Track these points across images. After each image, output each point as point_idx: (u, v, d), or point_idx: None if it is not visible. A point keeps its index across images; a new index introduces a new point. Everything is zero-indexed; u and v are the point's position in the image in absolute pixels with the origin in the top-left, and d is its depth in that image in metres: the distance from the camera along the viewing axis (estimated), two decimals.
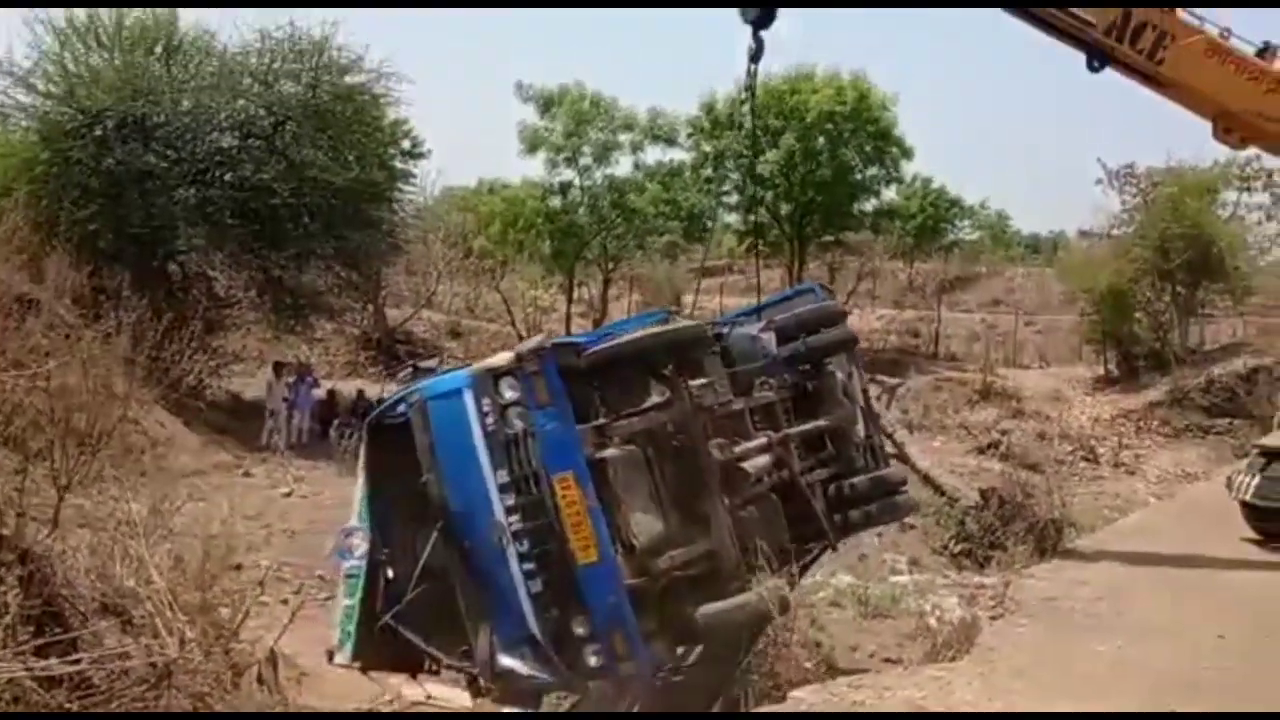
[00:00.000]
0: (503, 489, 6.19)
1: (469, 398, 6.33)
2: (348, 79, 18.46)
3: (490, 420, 6.23)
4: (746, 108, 11.91)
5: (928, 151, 38.14)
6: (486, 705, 7.13)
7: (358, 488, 7.19)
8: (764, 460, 7.22)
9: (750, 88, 11.68)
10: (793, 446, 7.87)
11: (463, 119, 77.18)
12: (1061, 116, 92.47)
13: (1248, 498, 13.28)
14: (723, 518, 6.68)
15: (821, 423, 8.38)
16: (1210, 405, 21.09)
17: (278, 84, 18.11)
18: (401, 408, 6.78)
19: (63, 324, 11.65)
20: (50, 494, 6.53)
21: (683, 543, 6.51)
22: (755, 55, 11.26)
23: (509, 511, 6.17)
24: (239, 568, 9.33)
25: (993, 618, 9.47)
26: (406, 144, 24.62)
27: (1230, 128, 11.76)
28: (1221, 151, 23.81)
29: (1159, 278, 24.17)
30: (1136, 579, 11.13)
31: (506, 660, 6.17)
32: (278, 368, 18.02)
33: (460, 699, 8.82)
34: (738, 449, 7.03)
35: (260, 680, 6.35)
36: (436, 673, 7.01)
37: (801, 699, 6.85)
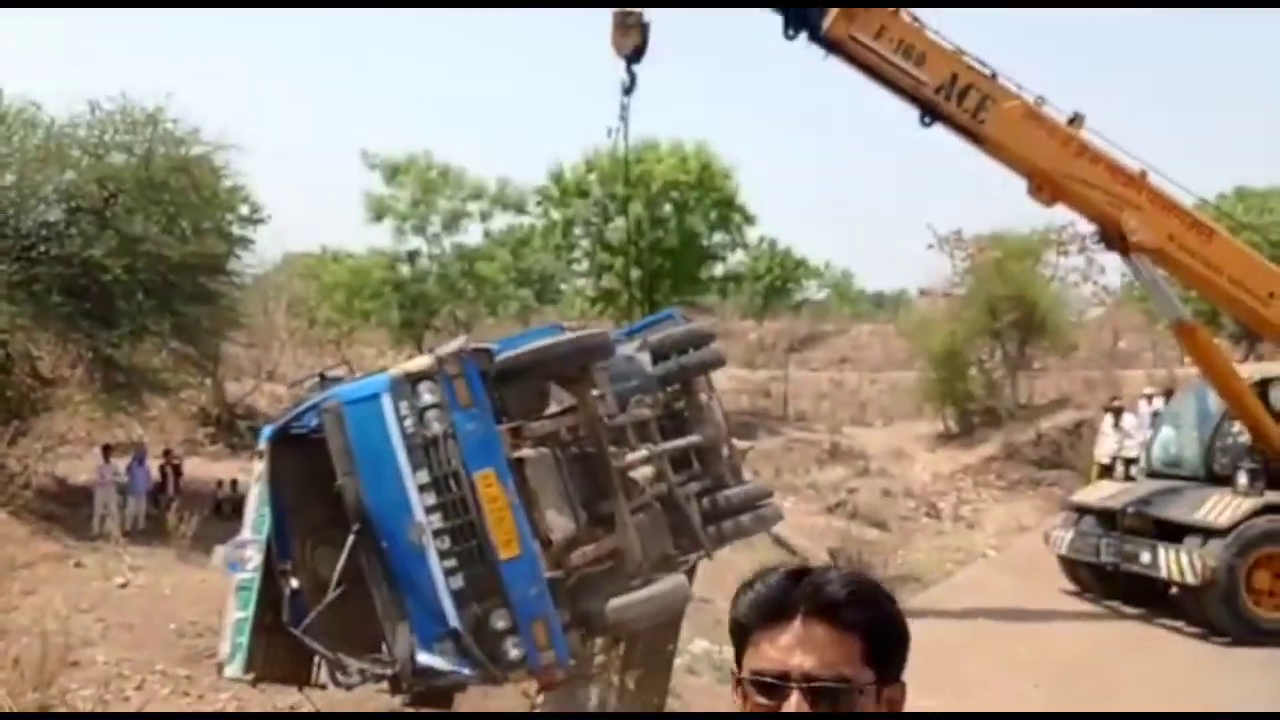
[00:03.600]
0: (422, 489, 6.28)
1: (387, 401, 6.39)
2: (183, 150, 17.95)
3: (409, 423, 6.32)
4: (620, 138, 12.25)
5: (772, 213, 39.67)
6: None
7: (252, 498, 7.15)
8: (648, 471, 7.48)
9: (624, 118, 11.99)
10: (667, 461, 8.12)
11: (303, 185, 75.99)
12: (901, 176, 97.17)
13: (1062, 551, 14.30)
14: (628, 518, 6.93)
15: (694, 439, 8.66)
16: (1040, 459, 22.31)
17: (109, 156, 17.49)
18: (308, 417, 6.82)
19: None
20: None
21: (589, 540, 6.76)
22: (629, 88, 11.61)
23: (429, 511, 6.25)
24: (76, 664, 8.94)
25: None
26: (245, 209, 23.98)
27: (1042, 186, 12.67)
28: (1040, 218, 25.53)
29: (990, 337, 25.48)
30: (964, 634, 11.83)
31: (426, 657, 6.23)
32: (107, 450, 17.20)
33: None
34: (626, 459, 7.31)
35: None
36: (324, 687, 6.97)
37: None
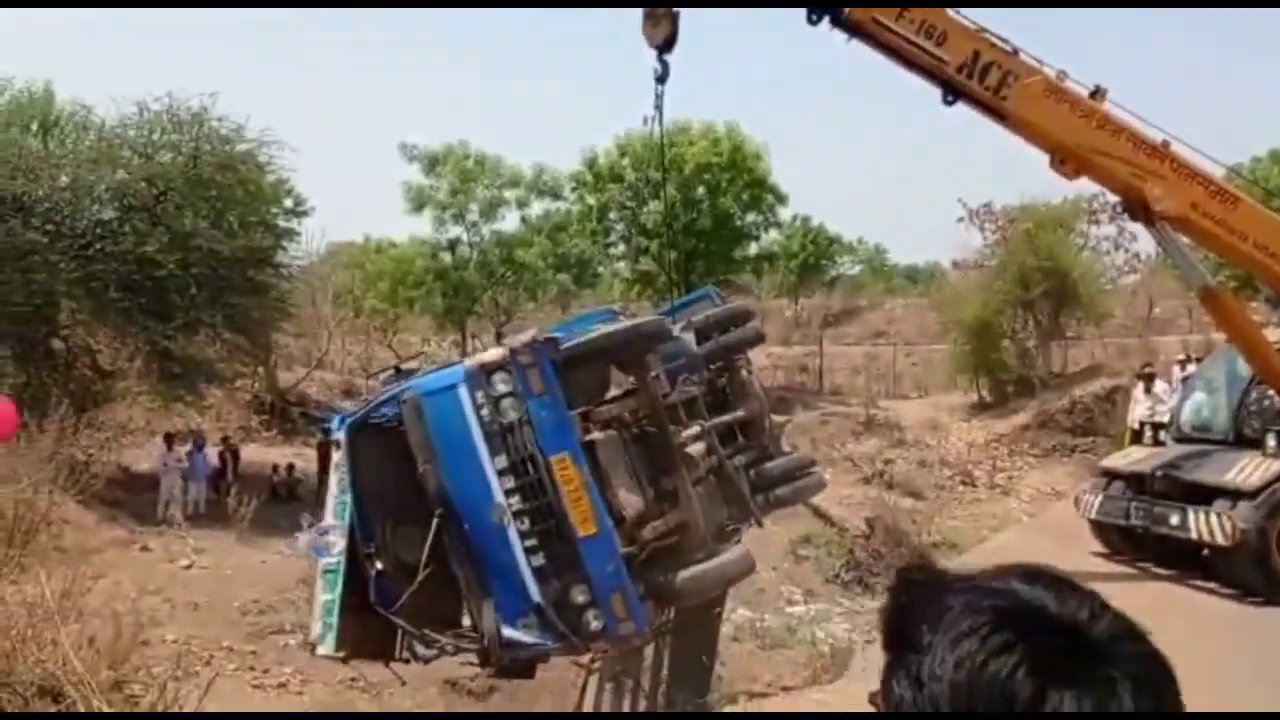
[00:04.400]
0: (501, 473, 6.60)
1: (463, 391, 6.71)
2: (228, 148, 18.50)
3: (485, 411, 6.64)
4: (656, 126, 12.53)
5: (804, 190, 39.83)
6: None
7: (333, 487, 7.45)
8: (700, 446, 7.79)
9: (658, 106, 12.25)
10: (715, 435, 8.48)
11: (345, 176, 76.84)
12: (932, 150, 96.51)
13: (1092, 515, 14.49)
14: (691, 492, 7.26)
15: (740, 413, 8.99)
16: (1073, 426, 22.32)
17: (158, 155, 18.08)
18: (386, 407, 7.15)
19: None
20: None
21: (657, 515, 7.09)
22: (662, 77, 11.72)
23: (508, 494, 6.59)
24: (146, 643, 9.46)
25: (868, 641, 10.26)
26: (289, 202, 24.54)
27: (1064, 160, 12.79)
28: (1071, 187, 25.51)
29: (1022, 308, 25.56)
30: None
31: (511, 632, 6.61)
32: (169, 439, 17.85)
33: None
34: (681, 436, 7.62)
35: None
36: (407, 661, 7.33)
37: None
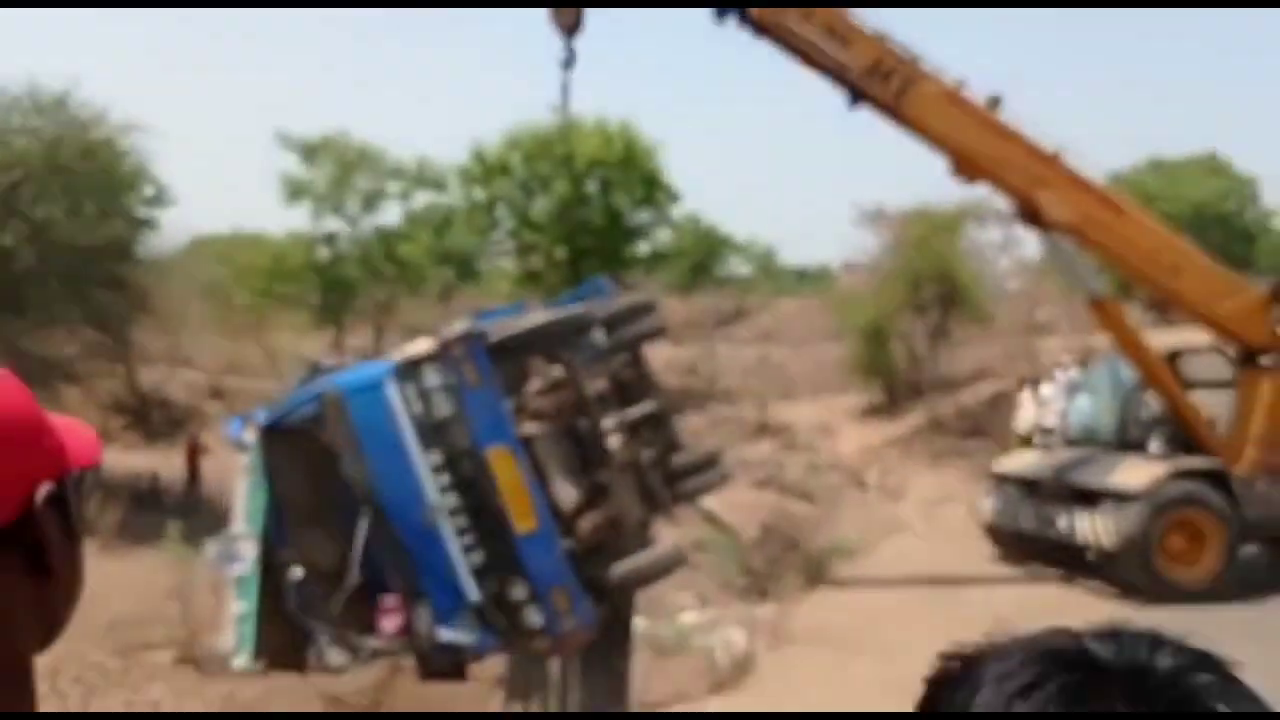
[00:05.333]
0: (435, 470, 6.46)
1: (391, 387, 6.53)
2: (90, 134, 17.51)
3: (416, 407, 6.48)
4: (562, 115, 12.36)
5: (696, 187, 39.80)
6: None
7: (243, 492, 7.19)
8: (618, 439, 7.69)
9: (564, 95, 12.08)
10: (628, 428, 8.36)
11: (215, 164, 74.34)
12: (823, 150, 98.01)
13: (985, 519, 14.77)
14: (620, 485, 7.20)
15: (649, 407, 8.80)
16: (963, 429, 22.61)
17: (15, 141, 16.99)
18: (304, 407, 6.90)
19: None
20: None
21: (591, 509, 7.00)
22: (568, 63, 11.75)
23: (443, 491, 6.44)
24: None
25: (768, 648, 10.14)
26: (150, 190, 23.20)
27: (962, 166, 13.09)
28: (963, 191, 25.77)
29: (912, 310, 25.81)
30: (892, 601, 12.26)
31: (447, 633, 6.45)
32: None
33: None
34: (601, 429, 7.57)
35: None
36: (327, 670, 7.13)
37: None
